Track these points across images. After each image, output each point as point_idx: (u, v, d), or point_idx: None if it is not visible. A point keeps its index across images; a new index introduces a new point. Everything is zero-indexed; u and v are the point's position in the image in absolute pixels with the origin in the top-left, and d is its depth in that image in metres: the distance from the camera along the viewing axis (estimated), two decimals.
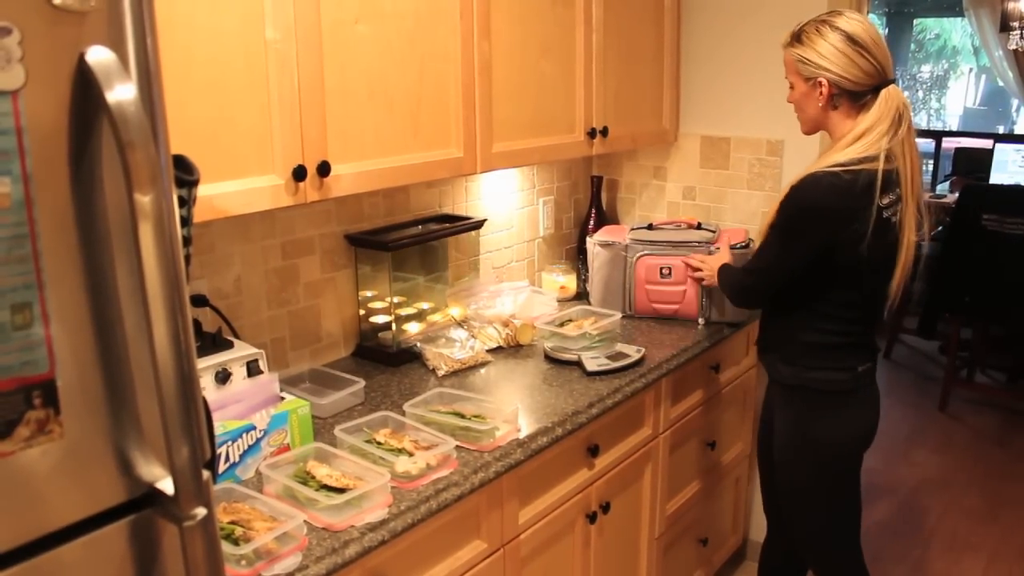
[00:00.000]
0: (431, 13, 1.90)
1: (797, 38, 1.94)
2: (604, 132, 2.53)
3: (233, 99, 1.52)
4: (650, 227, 2.63)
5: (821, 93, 1.91)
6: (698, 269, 2.48)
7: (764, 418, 2.29)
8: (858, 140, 1.87)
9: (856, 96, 1.90)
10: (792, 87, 1.98)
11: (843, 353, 1.99)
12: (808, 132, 2.04)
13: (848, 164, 1.84)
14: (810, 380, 2.01)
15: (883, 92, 1.88)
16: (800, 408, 2.04)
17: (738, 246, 2.51)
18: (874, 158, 1.84)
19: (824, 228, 1.87)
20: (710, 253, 2.50)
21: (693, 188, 2.99)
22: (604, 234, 2.67)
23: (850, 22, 1.87)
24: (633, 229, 2.63)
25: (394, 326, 2.26)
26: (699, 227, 2.65)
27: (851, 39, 1.86)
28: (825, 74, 1.88)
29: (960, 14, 7.17)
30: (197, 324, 1.74)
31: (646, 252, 2.57)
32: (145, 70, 0.92)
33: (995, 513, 3.55)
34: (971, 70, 9.33)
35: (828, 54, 1.87)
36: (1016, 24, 5.73)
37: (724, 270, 2.27)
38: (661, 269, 2.55)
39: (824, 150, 2.01)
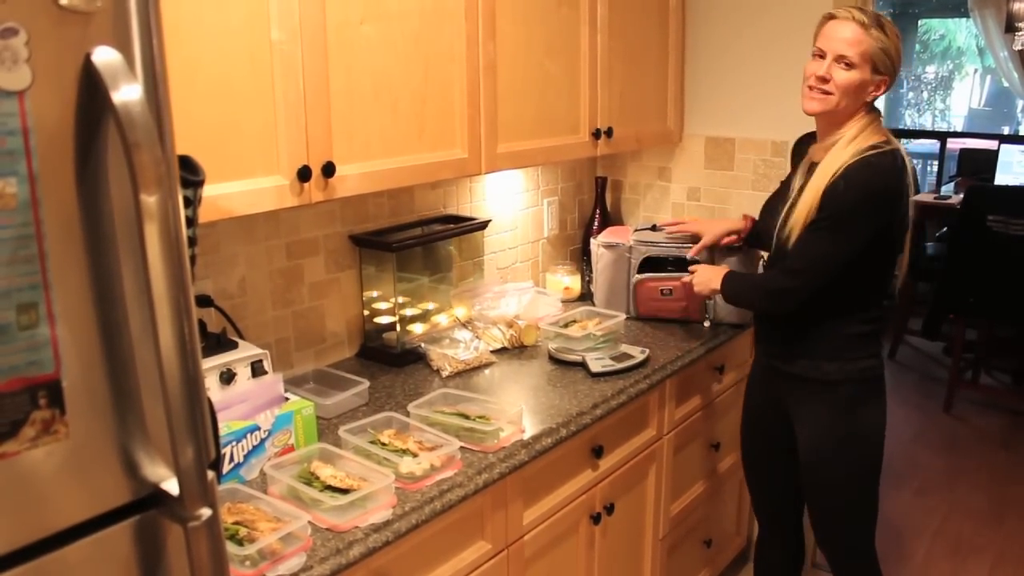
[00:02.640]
0: (436, 14, 1.90)
1: (880, 26, 1.83)
2: (609, 133, 2.53)
3: (238, 100, 1.52)
4: (654, 228, 2.62)
5: (878, 89, 1.87)
6: (689, 280, 2.30)
7: (763, 422, 2.25)
8: (861, 135, 1.88)
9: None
10: (849, 67, 1.84)
11: (878, 339, 2.01)
12: (822, 113, 1.91)
13: (879, 146, 1.84)
14: (854, 372, 1.98)
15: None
16: (841, 402, 2.00)
17: (733, 245, 2.50)
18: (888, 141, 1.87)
19: (887, 211, 1.85)
20: (693, 263, 2.39)
21: (698, 189, 2.99)
22: (608, 235, 2.66)
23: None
24: (637, 230, 2.63)
25: (398, 327, 2.26)
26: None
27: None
28: (893, 76, 1.87)
29: (965, 15, 7.16)
30: (202, 324, 1.74)
31: (645, 277, 2.55)
32: (151, 71, 0.92)
33: (1000, 515, 3.54)
34: (976, 71, 9.30)
35: (899, 55, 1.86)
36: (1021, 25, 5.71)
37: (736, 279, 2.14)
38: (662, 290, 2.54)
39: (833, 141, 1.93)
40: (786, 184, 2.16)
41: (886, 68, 1.85)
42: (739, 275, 2.17)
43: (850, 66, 1.84)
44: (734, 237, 2.42)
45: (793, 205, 1.96)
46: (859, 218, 1.84)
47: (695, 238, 2.46)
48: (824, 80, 1.87)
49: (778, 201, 2.12)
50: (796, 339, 2.04)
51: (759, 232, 2.34)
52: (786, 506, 2.32)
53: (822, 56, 1.88)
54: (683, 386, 2.41)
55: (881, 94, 1.89)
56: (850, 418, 2.00)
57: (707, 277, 2.20)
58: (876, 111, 1.94)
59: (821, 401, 2.03)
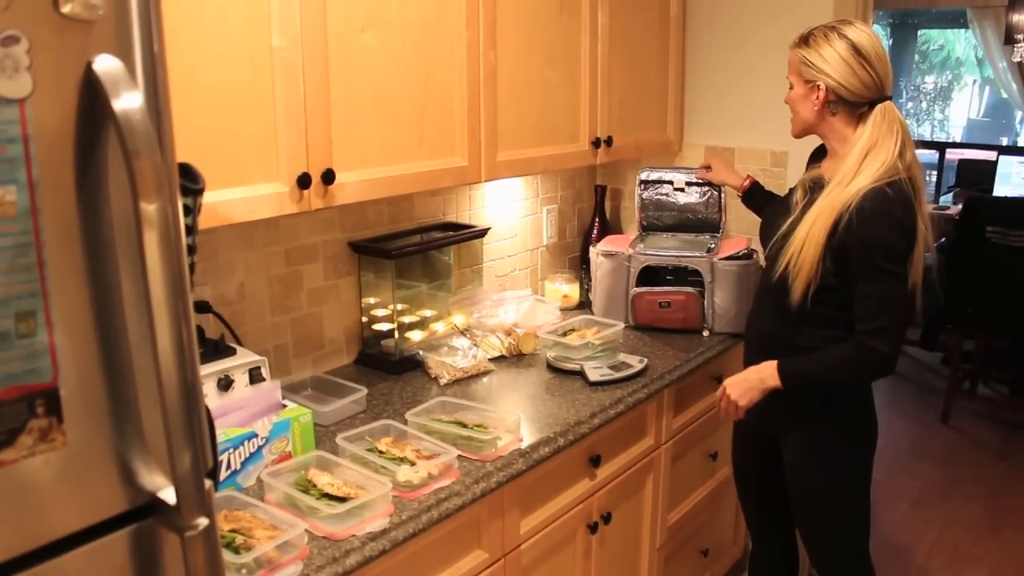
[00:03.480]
0: (437, 22, 1.91)
1: (804, 40, 1.94)
2: (608, 141, 2.53)
3: (238, 107, 1.53)
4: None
5: (818, 97, 1.92)
6: (722, 397, 2.06)
7: (751, 436, 2.22)
8: (867, 156, 1.86)
9: (854, 106, 1.91)
10: (791, 87, 1.99)
11: None
12: (797, 134, 2.04)
13: (889, 177, 1.83)
14: (854, 401, 2.01)
15: (879, 107, 1.88)
16: (835, 428, 2.00)
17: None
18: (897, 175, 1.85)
19: (911, 240, 1.85)
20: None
21: None
22: (607, 244, 2.67)
23: (858, 33, 1.88)
24: (637, 237, 2.63)
25: (397, 334, 2.26)
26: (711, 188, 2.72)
27: (856, 49, 1.87)
28: (825, 79, 1.89)
29: (964, 26, 7.18)
30: (200, 331, 1.74)
31: (644, 291, 2.55)
32: (152, 78, 0.92)
33: (997, 526, 3.53)
34: (975, 82, 9.33)
35: (831, 60, 1.88)
36: (1020, 36, 5.73)
37: (803, 366, 1.93)
38: (660, 303, 2.54)
39: (835, 163, 1.94)
40: (788, 193, 2.16)
41: (811, 75, 1.91)
42: (801, 361, 1.94)
43: (791, 85, 1.99)
44: (736, 185, 2.49)
45: (794, 224, 1.93)
46: (901, 248, 1.83)
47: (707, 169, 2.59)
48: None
49: (775, 209, 2.12)
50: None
51: (759, 205, 2.42)
52: (777, 519, 2.30)
53: None
54: (681, 395, 2.41)
55: (826, 100, 1.91)
56: (833, 438, 2.01)
57: (745, 380, 2.01)
58: (885, 137, 1.86)
59: (810, 416, 2.02)
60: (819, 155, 2.13)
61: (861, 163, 1.86)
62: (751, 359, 2.07)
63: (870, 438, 2.04)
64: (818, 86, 1.91)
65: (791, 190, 2.14)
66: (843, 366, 1.90)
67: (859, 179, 1.85)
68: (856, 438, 2.02)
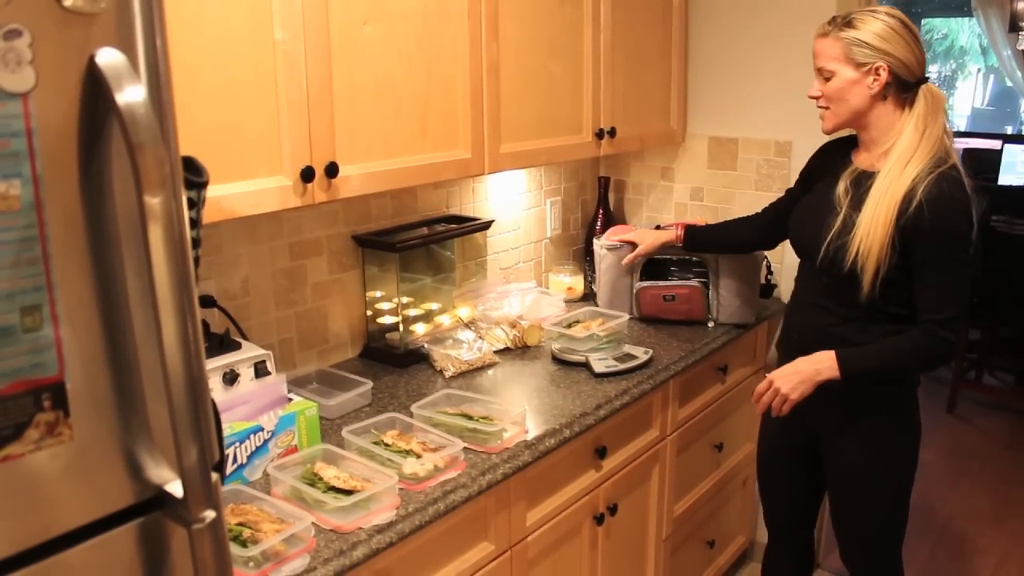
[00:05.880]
0: (439, 14, 1.90)
1: (848, 23, 1.82)
2: (612, 133, 2.53)
3: (241, 100, 1.52)
4: (657, 228, 2.62)
5: (876, 80, 1.81)
6: (768, 390, 1.96)
7: (785, 431, 2.14)
8: (922, 137, 1.80)
9: (906, 87, 1.82)
10: (829, 77, 1.86)
11: None
12: (836, 128, 1.91)
13: (944, 160, 1.80)
14: (905, 392, 1.96)
15: (926, 87, 1.83)
16: (877, 414, 1.94)
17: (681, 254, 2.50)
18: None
19: (973, 224, 1.80)
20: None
21: (701, 189, 2.99)
22: (611, 236, 2.66)
23: (895, 11, 1.82)
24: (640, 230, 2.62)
25: (401, 327, 2.26)
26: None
27: (906, 25, 1.80)
28: (886, 59, 1.79)
29: (968, 14, 7.15)
30: (205, 325, 1.74)
31: (647, 285, 2.54)
32: (155, 71, 0.92)
33: (1003, 516, 3.53)
34: (979, 70, 9.29)
35: (889, 38, 1.78)
36: None
37: (863, 356, 1.87)
38: (664, 296, 2.54)
39: (883, 150, 1.86)
40: (812, 191, 2.06)
41: (869, 56, 1.80)
42: (862, 352, 1.87)
43: (829, 76, 1.86)
44: (672, 240, 2.45)
45: (849, 216, 1.86)
46: (968, 237, 1.79)
47: (633, 247, 2.50)
48: (818, 98, 1.91)
49: (811, 208, 2.01)
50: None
51: (712, 236, 2.41)
52: (800, 519, 2.25)
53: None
54: (687, 387, 2.41)
55: (885, 80, 1.80)
56: (886, 429, 1.95)
57: (798, 372, 1.90)
58: (934, 119, 1.82)
59: (861, 408, 1.95)
60: (830, 150, 2.07)
61: (918, 145, 1.80)
62: (791, 352, 1.98)
63: (916, 427, 1.98)
64: (878, 68, 1.80)
65: (811, 182, 2.08)
66: (911, 356, 1.83)
67: (915, 161, 1.79)
68: (906, 428, 1.96)
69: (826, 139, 2.11)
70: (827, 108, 1.90)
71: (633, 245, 2.51)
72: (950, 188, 1.76)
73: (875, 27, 1.80)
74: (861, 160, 1.94)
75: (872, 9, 1.85)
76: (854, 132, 1.97)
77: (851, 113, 1.87)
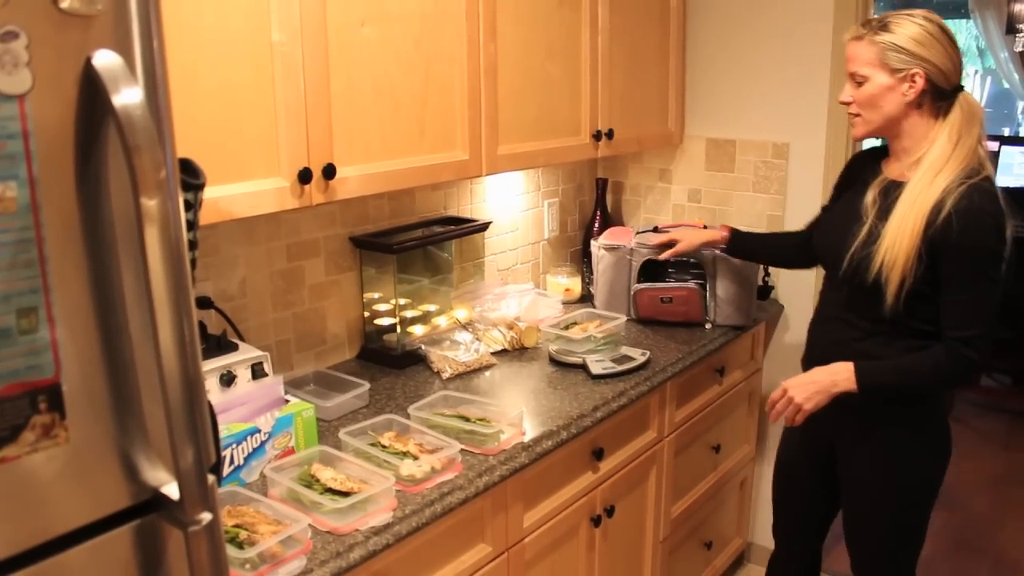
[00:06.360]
0: (437, 15, 1.90)
1: (883, 26, 1.76)
2: (610, 134, 2.53)
3: (239, 102, 1.52)
4: (655, 229, 2.62)
5: (911, 87, 1.75)
6: (781, 399, 1.91)
7: (806, 440, 2.09)
8: (956, 147, 1.75)
9: (942, 96, 1.77)
10: (861, 83, 1.80)
11: None
12: (866, 136, 1.86)
13: (978, 172, 1.75)
14: (932, 408, 1.91)
15: (963, 96, 1.78)
16: (909, 430, 1.89)
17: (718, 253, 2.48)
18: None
19: (1005, 240, 1.73)
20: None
21: (699, 191, 2.99)
22: (609, 237, 2.66)
23: (932, 16, 1.76)
24: (639, 232, 2.63)
25: (399, 328, 2.26)
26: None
27: (944, 30, 1.74)
28: (924, 65, 1.73)
29: (966, 16, 7.15)
30: (202, 326, 1.74)
31: (645, 287, 2.52)
32: (151, 74, 0.92)
33: (1001, 517, 3.54)
34: (976, 72, 9.30)
35: (927, 43, 1.73)
36: (1022, 26, 5.71)
37: (882, 371, 1.83)
38: (661, 298, 2.54)
39: (915, 159, 1.81)
40: (843, 200, 2.00)
41: (905, 62, 1.74)
42: (881, 366, 1.83)
43: (862, 81, 1.81)
44: (717, 240, 2.40)
45: (875, 226, 1.81)
46: (1000, 252, 1.74)
47: (672, 244, 2.46)
48: (849, 104, 1.85)
49: (837, 217, 1.97)
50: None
51: (761, 242, 2.36)
52: (810, 529, 2.21)
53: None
54: (684, 388, 2.41)
55: (921, 88, 1.75)
56: (905, 444, 1.90)
57: (815, 382, 1.87)
58: (969, 129, 1.77)
59: (880, 421, 1.91)
60: (862, 159, 2.02)
61: (951, 155, 1.75)
62: (816, 361, 1.94)
63: (943, 447, 1.93)
64: (914, 74, 1.74)
65: (841, 192, 2.03)
66: (932, 372, 1.79)
67: (947, 171, 1.74)
68: (929, 443, 1.91)
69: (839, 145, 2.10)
70: (858, 115, 1.85)
71: (671, 243, 2.46)
72: (981, 200, 1.70)
73: (912, 31, 1.74)
74: (891, 170, 1.89)
75: (908, 12, 1.78)
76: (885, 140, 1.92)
77: (883, 120, 1.82)
